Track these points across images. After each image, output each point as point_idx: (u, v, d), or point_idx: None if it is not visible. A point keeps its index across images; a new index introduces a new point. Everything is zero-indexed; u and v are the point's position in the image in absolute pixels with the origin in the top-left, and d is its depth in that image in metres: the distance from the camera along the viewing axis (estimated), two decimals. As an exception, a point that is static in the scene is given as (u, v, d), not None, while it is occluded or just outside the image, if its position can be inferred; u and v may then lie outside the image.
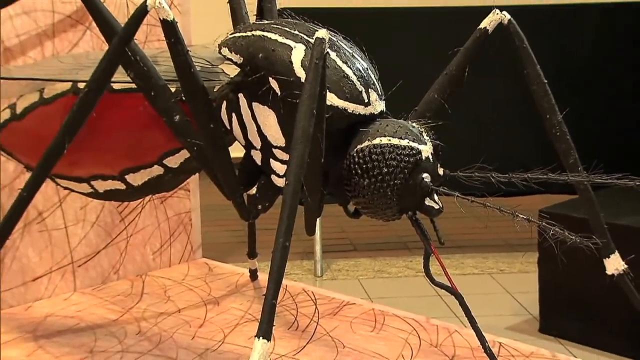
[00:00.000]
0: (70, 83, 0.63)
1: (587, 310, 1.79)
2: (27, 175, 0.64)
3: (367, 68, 0.56)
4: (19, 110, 0.66)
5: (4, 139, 0.67)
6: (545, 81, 0.58)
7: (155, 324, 0.74)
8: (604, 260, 0.59)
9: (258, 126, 0.58)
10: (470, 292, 0.56)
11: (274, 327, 0.46)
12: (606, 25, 2.40)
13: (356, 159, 0.53)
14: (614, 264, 0.59)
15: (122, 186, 0.64)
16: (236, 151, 0.61)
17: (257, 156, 0.59)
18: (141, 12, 0.55)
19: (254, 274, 0.83)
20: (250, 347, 0.47)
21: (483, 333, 0.54)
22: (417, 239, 0.54)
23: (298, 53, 0.55)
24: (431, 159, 0.53)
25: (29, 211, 0.77)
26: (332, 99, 0.54)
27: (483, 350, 0.54)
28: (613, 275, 0.59)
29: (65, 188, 0.67)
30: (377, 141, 0.53)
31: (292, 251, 0.48)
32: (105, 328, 0.73)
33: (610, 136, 2.30)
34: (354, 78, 0.55)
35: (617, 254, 0.59)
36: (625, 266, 0.59)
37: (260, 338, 0.46)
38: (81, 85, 0.61)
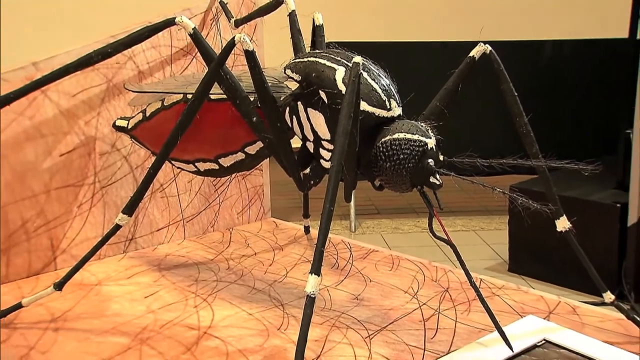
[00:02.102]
0: (182, 95, 0.64)
1: (543, 256, 1.78)
2: (153, 158, 0.65)
3: (389, 84, 0.56)
4: (147, 114, 0.66)
5: (138, 134, 0.68)
6: (516, 94, 0.58)
7: (239, 262, 0.74)
8: (555, 221, 0.58)
9: (311, 125, 0.58)
10: (460, 244, 0.56)
11: (322, 266, 0.46)
12: (558, 55, 2.42)
13: (381, 149, 0.53)
14: (562, 224, 0.58)
15: (216, 167, 0.65)
16: (296, 143, 0.61)
17: (310, 146, 0.59)
18: (230, 45, 0.55)
19: (307, 229, 0.83)
20: (306, 280, 0.47)
21: (469, 271, 0.54)
22: (423, 205, 0.53)
23: (340, 73, 0.55)
24: (434, 149, 0.53)
25: (154, 184, 0.77)
26: (364, 106, 0.54)
27: (469, 284, 0.53)
28: (561, 231, 0.58)
29: (178, 167, 0.67)
30: (396, 136, 0.53)
31: (334, 214, 0.48)
32: (205, 264, 0.73)
33: (560, 133, 2.29)
34: (379, 91, 0.55)
35: (564, 216, 0.58)
36: (570, 225, 0.58)
37: (313, 274, 0.46)
38: (189, 96, 0.61)
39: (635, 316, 0.59)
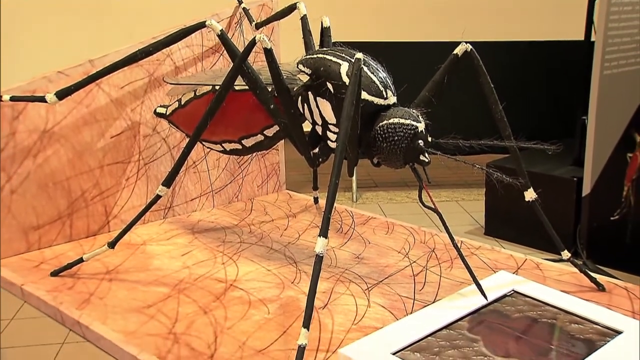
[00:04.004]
0: (211, 86, 0.63)
1: (513, 221, 1.77)
2: (187, 140, 0.64)
3: (385, 76, 0.55)
4: (183, 102, 0.66)
5: (175, 119, 0.67)
6: (492, 86, 0.57)
7: (259, 227, 0.74)
8: (524, 192, 0.57)
9: (320, 111, 0.57)
10: (444, 212, 0.56)
11: (329, 230, 0.46)
12: (528, 53, 2.40)
13: (379, 131, 0.52)
14: (530, 195, 0.57)
15: (240, 147, 0.64)
16: (306, 127, 0.60)
17: (319, 129, 0.59)
18: (252, 43, 0.54)
19: (316, 200, 0.82)
20: (315, 242, 0.47)
21: (452, 234, 0.53)
22: (414, 179, 0.53)
23: (344, 67, 0.54)
24: (424, 132, 0.52)
25: (188, 161, 0.77)
26: (364, 95, 0.53)
27: (452, 245, 0.53)
28: (529, 201, 0.58)
29: (208, 147, 0.67)
30: (391, 121, 0.52)
31: (339, 186, 0.47)
32: (230, 229, 0.73)
33: (528, 119, 2.27)
34: (378, 82, 0.54)
35: (531, 189, 0.57)
36: (536, 196, 0.58)
37: (321, 236, 0.45)
38: (217, 87, 0.61)
39: (587, 270, 0.59)
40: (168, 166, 0.75)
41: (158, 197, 0.58)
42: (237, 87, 0.60)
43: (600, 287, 0.57)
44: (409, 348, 0.47)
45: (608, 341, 0.47)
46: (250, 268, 0.62)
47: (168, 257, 0.64)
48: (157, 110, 0.69)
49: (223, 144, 0.64)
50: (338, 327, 0.51)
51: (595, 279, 0.58)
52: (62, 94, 0.62)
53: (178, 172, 0.57)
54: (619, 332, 0.48)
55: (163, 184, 0.57)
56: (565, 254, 0.59)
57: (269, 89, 0.57)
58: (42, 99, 0.62)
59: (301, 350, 0.43)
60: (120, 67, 0.63)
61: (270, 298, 0.56)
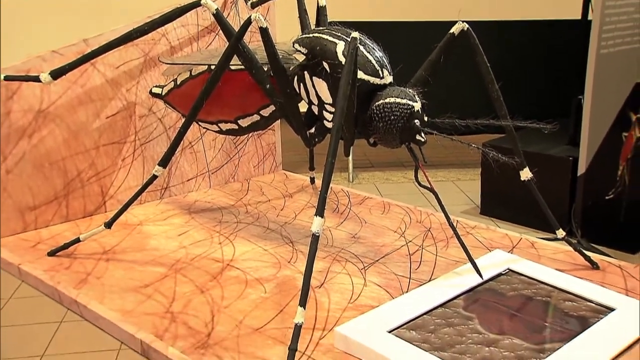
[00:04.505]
0: (207, 65, 0.63)
1: (508, 201, 1.78)
2: (182, 120, 0.64)
3: (382, 56, 0.55)
4: (178, 82, 0.65)
5: (170, 99, 0.67)
6: (488, 64, 0.57)
7: (255, 207, 0.74)
8: (520, 172, 0.57)
9: (316, 91, 0.57)
10: (440, 191, 0.56)
11: (325, 210, 0.46)
12: (525, 32, 2.38)
13: (375, 111, 0.52)
14: (525, 174, 0.57)
15: (236, 127, 0.64)
16: (302, 107, 0.60)
17: (315, 109, 0.58)
18: (247, 22, 0.53)
19: (312, 180, 0.82)
20: (311, 222, 0.47)
21: (448, 214, 0.54)
22: (410, 160, 0.53)
23: (340, 46, 0.54)
24: (420, 111, 0.52)
25: (184, 141, 0.77)
26: (360, 74, 0.53)
27: (448, 224, 0.53)
28: (524, 180, 0.58)
29: (204, 128, 0.67)
30: (388, 100, 0.52)
31: (335, 167, 0.47)
32: (227, 209, 0.73)
33: (525, 99, 2.27)
34: (374, 62, 0.54)
35: (527, 168, 0.57)
36: (531, 175, 0.58)
37: (317, 216, 0.45)
38: (212, 67, 0.60)
39: (581, 249, 0.60)
40: (164, 147, 0.74)
41: (154, 177, 0.58)
42: (232, 67, 0.60)
43: (594, 266, 0.58)
44: (404, 326, 0.47)
45: (601, 318, 0.48)
46: (246, 248, 0.62)
47: (165, 237, 0.65)
48: (153, 90, 0.69)
49: (219, 124, 0.64)
50: (334, 305, 0.51)
51: (589, 257, 0.58)
52: (56, 74, 0.61)
53: (174, 152, 0.57)
54: (612, 310, 0.49)
55: (159, 164, 0.57)
56: (560, 233, 0.60)
57: (265, 69, 0.57)
58: (36, 79, 0.61)
59: (298, 328, 0.43)
60: (115, 46, 0.62)
61: (266, 277, 0.56)
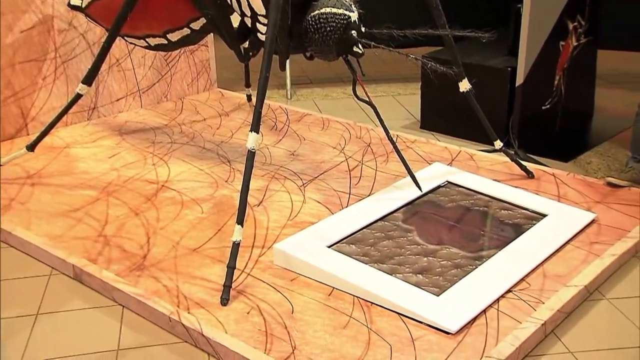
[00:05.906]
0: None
1: (448, 114, 1.80)
2: (106, 34, 0.60)
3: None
4: (98, -8, 0.61)
5: (92, 12, 0.63)
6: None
7: (190, 127, 0.72)
8: (458, 83, 0.57)
9: (248, 2, 0.54)
10: (380, 106, 0.55)
11: (261, 127, 0.45)
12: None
13: (310, 22, 0.50)
14: (464, 85, 0.58)
15: (165, 41, 0.61)
16: (236, 22, 0.57)
17: (248, 21, 0.56)
18: None
19: (249, 98, 0.80)
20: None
21: (387, 129, 0.53)
22: (349, 74, 0.52)
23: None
24: (357, 22, 0.50)
25: (110, 59, 0.73)
26: None
27: (387, 139, 0.53)
28: (463, 92, 0.58)
29: (131, 43, 0.63)
30: (323, 10, 0.50)
31: (272, 84, 0.46)
32: (160, 129, 0.71)
33: (462, 8, 2.25)
34: (307, -32, 0.51)
35: (466, 79, 0.58)
36: (470, 86, 0.58)
37: (252, 132, 0.44)
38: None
39: (518, 159, 0.61)
40: (88, 64, 0.70)
41: (79, 96, 0.55)
42: (156, -25, 0.56)
43: (530, 175, 0.59)
44: (344, 240, 0.47)
45: (534, 224, 0.50)
46: (182, 168, 0.61)
47: (94, 160, 0.62)
48: (72, 2, 0.64)
49: (147, 39, 0.61)
50: (273, 223, 0.51)
51: (525, 167, 0.60)
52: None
53: (99, 69, 0.55)
54: (544, 216, 0.51)
55: (83, 82, 0.55)
56: (498, 144, 0.61)
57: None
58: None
59: (236, 246, 0.43)
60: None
61: (203, 197, 0.55)
